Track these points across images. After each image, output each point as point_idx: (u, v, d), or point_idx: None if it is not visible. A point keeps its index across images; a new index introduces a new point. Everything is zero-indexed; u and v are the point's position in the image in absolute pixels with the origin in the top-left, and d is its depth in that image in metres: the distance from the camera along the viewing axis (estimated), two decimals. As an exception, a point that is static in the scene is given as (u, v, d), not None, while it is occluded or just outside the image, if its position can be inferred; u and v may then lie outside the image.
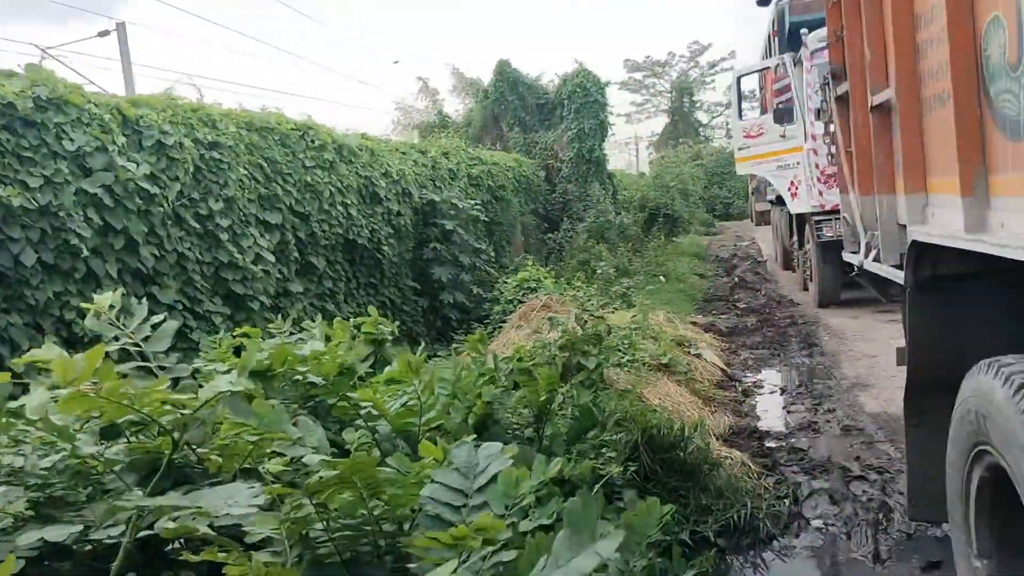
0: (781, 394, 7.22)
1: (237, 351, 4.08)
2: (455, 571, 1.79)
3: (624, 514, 2.41)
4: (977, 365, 2.51)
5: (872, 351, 8.10)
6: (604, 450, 3.84)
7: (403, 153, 11.64)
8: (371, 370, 4.17)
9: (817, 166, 9.98)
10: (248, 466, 2.50)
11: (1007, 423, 2.20)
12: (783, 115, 11.02)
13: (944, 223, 2.89)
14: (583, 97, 19.79)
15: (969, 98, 2.55)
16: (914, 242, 3.08)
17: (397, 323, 5.10)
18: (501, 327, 9.52)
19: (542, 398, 3.75)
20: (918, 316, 3.24)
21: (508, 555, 1.98)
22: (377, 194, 10.17)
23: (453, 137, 16.24)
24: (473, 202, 12.73)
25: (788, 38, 11.31)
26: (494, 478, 2.34)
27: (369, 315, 4.75)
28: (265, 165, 7.99)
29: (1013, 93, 2.25)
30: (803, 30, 9.81)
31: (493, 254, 13.43)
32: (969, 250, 2.81)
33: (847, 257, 4.52)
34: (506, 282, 11.49)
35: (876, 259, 3.86)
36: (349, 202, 9.44)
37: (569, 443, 3.74)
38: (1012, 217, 2.31)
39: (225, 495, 2.10)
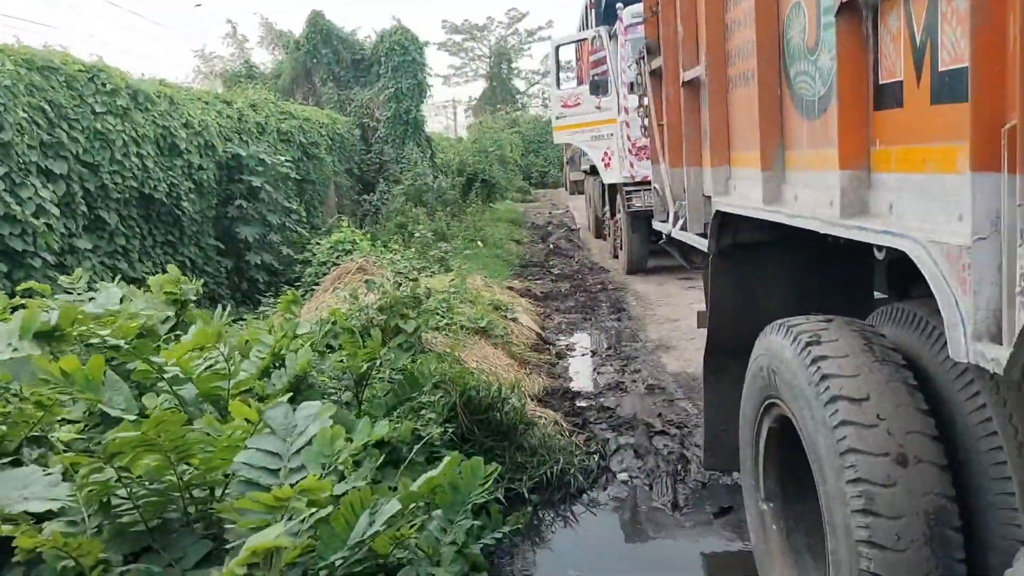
0: (592, 356, 7.56)
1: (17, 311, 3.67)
2: (279, 534, 1.72)
3: (448, 474, 2.41)
4: (770, 325, 2.73)
5: (675, 315, 8.65)
6: (423, 412, 3.84)
7: (206, 103, 10.90)
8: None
9: (629, 138, 10.42)
10: (36, 434, 2.26)
11: (794, 378, 2.41)
12: (598, 87, 11.39)
13: (745, 195, 3.10)
14: (401, 55, 19.41)
15: (771, 78, 2.73)
16: (718, 212, 3.28)
17: (200, 283, 4.81)
18: (313, 290, 9.24)
19: (364, 362, 3.67)
20: (719, 281, 3.48)
21: (324, 511, 1.93)
22: (176, 145, 9.48)
23: (261, 89, 15.40)
24: (283, 158, 12.16)
25: (604, 11, 11.67)
26: (312, 439, 2.27)
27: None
28: (48, 109, 7.21)
29: (810, 75, 2.44)
30: (619, 4, 10.14)
31: (304, 214, 12.97)
32: (766, 220, 3.03)
33: (656, 225, 4.74)
34: (319, 243, 11.14)
35: (683, 228, 4.07)
36: (145, 153, 8.74)
37: (390, 408, 3.69)
38: (805, 191, 2.51)
39: (19, 483, 1.88)
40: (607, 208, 13.36)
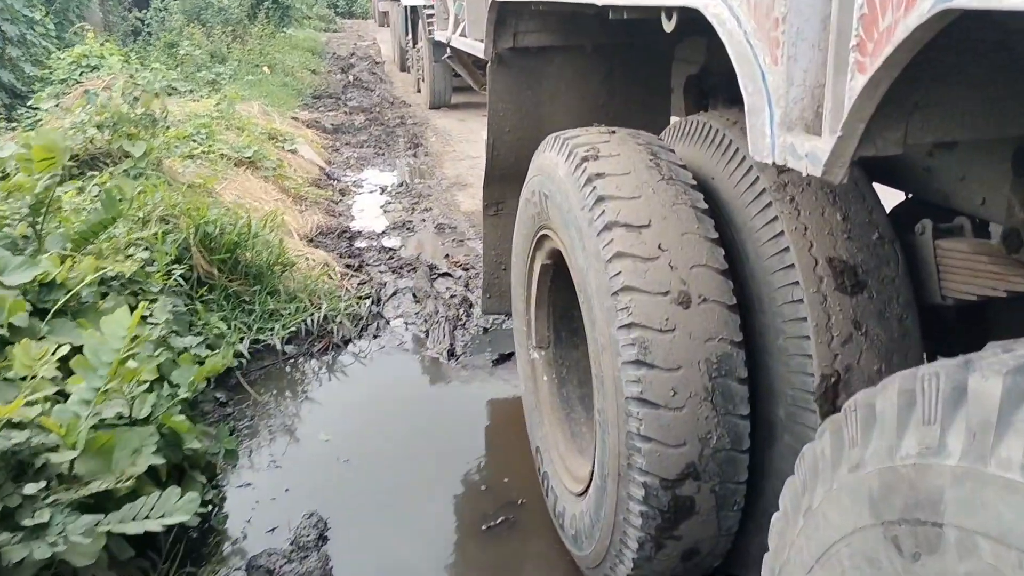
0: (381, 193, 6.88)
1: None
2: None
3: (87, 333, 1.77)
4: (545, 140, 2.22)
5: (475, 152, 8.08)
6: (131, 249, 3.06)
7: None
8: None
9: (430, -49, 9.36)
10: None
11: (566, 200, 1.93)
12: None
13: (525, -20, 2.50)
14: None
15: None
16: (494, 3, 2.67)
17: None
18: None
19: (36, 183, 2.81)
20: (499, 92, 2.91)
21: None
22: None
23: None
24: (19, -48, 10.07)
25: None
26: None
27: None
28: None
29: None
30: None
31: (52, 28, 10.93)
32: (548, 19, 2.48)
33: (436, 35, 4.08)
34: (60, 59, 9.38)
35: (463, 34, 3.46)
36: None
37: (81, 241, 2.89)
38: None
39: None
40: (410, 37, 12.29)
